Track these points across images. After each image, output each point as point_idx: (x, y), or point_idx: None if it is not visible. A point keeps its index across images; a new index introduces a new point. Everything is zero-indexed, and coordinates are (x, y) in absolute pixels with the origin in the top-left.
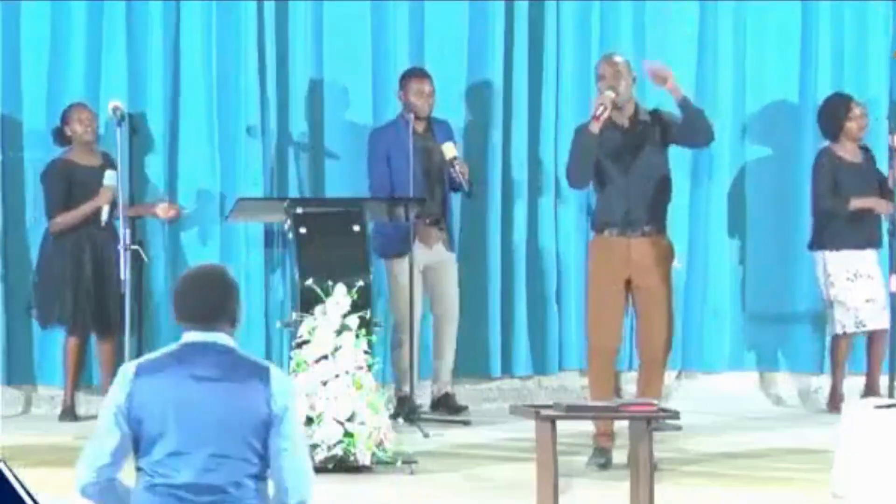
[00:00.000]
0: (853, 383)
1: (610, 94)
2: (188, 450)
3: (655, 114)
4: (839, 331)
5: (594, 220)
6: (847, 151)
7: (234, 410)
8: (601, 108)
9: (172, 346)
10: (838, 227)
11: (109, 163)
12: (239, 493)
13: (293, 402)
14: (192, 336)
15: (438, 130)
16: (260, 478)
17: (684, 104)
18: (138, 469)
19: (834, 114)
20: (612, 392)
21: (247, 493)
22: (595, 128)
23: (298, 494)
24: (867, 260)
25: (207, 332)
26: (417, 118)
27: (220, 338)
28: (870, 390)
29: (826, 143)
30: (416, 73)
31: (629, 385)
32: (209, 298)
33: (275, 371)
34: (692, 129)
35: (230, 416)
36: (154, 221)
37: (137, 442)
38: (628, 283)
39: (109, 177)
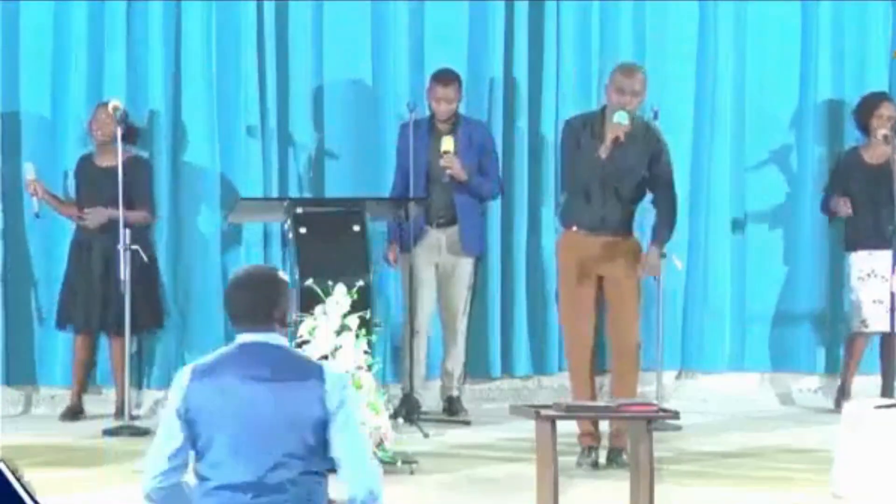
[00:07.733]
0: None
1: (626, 124)
2: (245, 450)
3: (649, 132)
4: (851, 328)
5: (564, 217)
6: (871, 151)
7: (289, 409)
8: (617, 139)
9: (227, 348)
10: (856, 229)
11: (133, 163)
12: (297, 491)
13: (348, 397)
14: (245, 337)
15: (464, 133)
16: (319, 474)
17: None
18: (196, 474)
19: (862, 111)
20: (591, 386)
21: (305, 491)
22: (605, 153)
23: (364, 487)
24: (884, 260)
25: (260, 332)
26: (439, 121)
27: (273, 338)
28: (884, 392)
29: (863, 141)
30: (438, 77)
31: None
32: (257, 299)
33: (328, 368)
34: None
35: (286, 415)
36: (157, 221)
37: (195, 445)
38: (600, 279)
39: (27, 169)
